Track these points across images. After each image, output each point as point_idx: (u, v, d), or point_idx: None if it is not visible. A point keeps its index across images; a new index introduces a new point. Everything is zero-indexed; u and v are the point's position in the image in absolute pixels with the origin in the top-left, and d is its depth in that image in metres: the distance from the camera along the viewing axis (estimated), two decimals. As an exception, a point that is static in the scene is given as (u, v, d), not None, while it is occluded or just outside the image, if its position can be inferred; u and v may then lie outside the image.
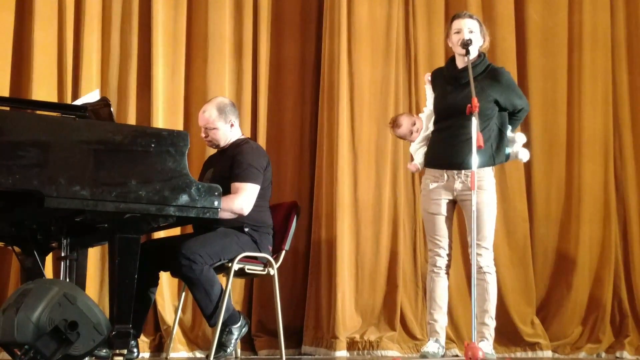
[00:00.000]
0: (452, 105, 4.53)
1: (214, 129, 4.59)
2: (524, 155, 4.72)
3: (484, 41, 4.64)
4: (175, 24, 5.70)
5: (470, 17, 4.64)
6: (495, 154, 4.59)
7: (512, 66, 6.08)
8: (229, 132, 4.62)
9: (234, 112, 4.66)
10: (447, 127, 4.58)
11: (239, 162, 4.45)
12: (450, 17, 5.28)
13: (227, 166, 4.48)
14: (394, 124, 4.89)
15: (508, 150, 4.67)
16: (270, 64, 5.96)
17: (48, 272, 4.37)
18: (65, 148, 3.38)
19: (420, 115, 4.94)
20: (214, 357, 4.28)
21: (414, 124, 4.81)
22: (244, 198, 4.38)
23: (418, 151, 4.82)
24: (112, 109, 3.82)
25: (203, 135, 4.63)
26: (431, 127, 4.75)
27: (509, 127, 4.66)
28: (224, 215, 4.25)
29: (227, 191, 4.35)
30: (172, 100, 5.64)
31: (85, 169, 3.39)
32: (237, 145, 4.60)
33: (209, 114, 4.61)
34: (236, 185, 4.41)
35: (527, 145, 6.08)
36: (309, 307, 5.79)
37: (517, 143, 4.69)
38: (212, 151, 5.01)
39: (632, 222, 6.33)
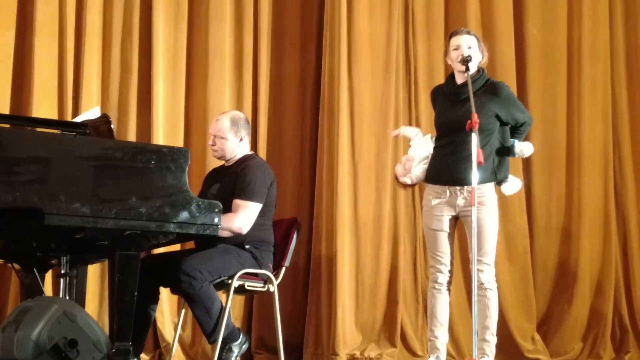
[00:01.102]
0: (453, 121, 4.53)
1: (223, 138, 4.58)
2: (527, 149, 4.65)
3: (482, 57, 4.65)
4: (175, 40, 5.71)
5: (468, 33, 4.65)
6: (497, 169, 4.58)
7: (512, 81, 6.09)
8: (236, 146, 4.61)
9: (247, 128, 4.66)
10: (448, 143, 4.58)
11: (242, 178, 4.44)
12: (450, 33, 5.28)
13: (233, 183, 4.47)
14: (399, 182, 4.84)
15: (512, 143, 4.62)
16: (270, 79, 5.97)
17: (47, 289, 4.36)
18: (65, 165, 3.38)
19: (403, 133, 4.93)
20: (214, 375, 4.26)
21: (401, 162, 4.80)
22: (243, 217, 4.36)
23: (418, 166, 4.80)
24: (112, 126, 3.83)
25: (210, 143, 4.63)
26: (431, 145, 4.74)
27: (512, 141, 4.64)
28: (223, 234, 4.24)
29: (231, 209, 4.35)
30: (173, 115, 5.65)
31: (86, 186, 3.40)
32: (243, 161, 4.59)
33: (221, 123, 4.62)
34: (237, 202, 4.40)
35: (527, 160, 6.14)
36: (309, 323, 5.78)
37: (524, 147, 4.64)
38: (212, 165, 5.00)
39: (632, 236, 6.33)
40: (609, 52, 6.46)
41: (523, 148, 4.62)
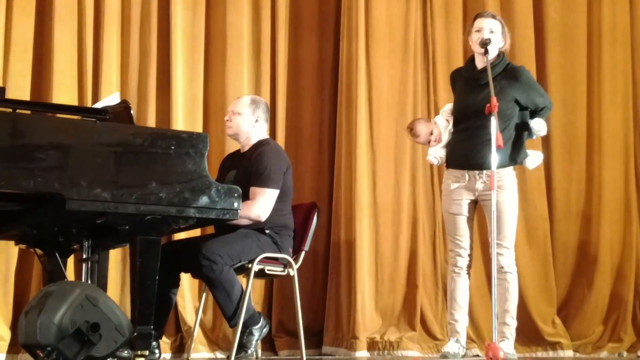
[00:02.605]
0: (472, 106, 4.52)
1: (239, 114, 4.59)
2: (543, 127, 4.61)
3: (504, 43, 4.62)
4: (194, 26, 5.72)
5: (494, 17, 4.62)
6: (516, 153, 4.57)
7: (532, 65, 6.06)
8: (251, 125, 4.60)
9: (265, 112, 4.67)
10: (467, 127, 4.57)
11: (257, 165, 4.45)
12: (468, 16, 5.27)
13: (248, 169, 4.48)
14: (412, 132, 4.84)
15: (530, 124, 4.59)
16: (288, 64, 5.97)
17: (70, 274, 4.39)
18: (86, 151, 3.40)
19: (437, 118, 4.87)
20: (235, 358, 4.29)
21: (432, 133, 4.75)
22: (261, 204, 4.37)
23: (438, 152, 4.79)
24: (132, 112, 3.84)
25: (226, 118, 4.64)
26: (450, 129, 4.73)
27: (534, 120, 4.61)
28: (242, 221, 4.26)
29: (248, 195, 4.36)
30: (192, 101, 5.66)
31: (106, 171, 3.42)
32: (257, 146, 4.60)
33: (242, 100, 4.67)
34: (254, 190, 4.40)
35: (547, 144, 6.11)
36: (329, 307, 5.80)
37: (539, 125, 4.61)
38: (231, 150, 5.01)
39: (653, 221, 6.30)
40: (630, 36, 6.41)
41: (537, 125, 4.58)
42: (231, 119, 4.61)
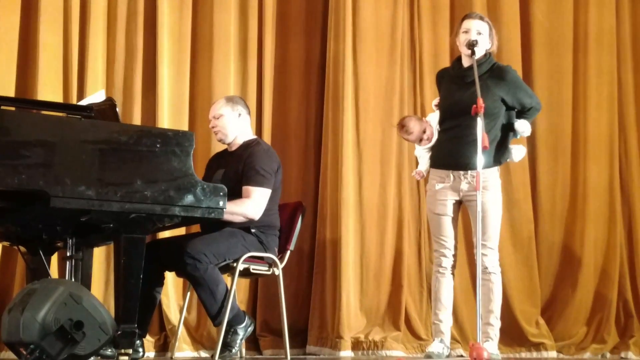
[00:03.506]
0: (458, 104, 4.53)
1: (221, 116, 4.60)
2: (525, 128, 4.61)
3: (491, 44, 4.64)
4: (180, 25, 5.70)
5: (481, 18, 4.64)
6: (501, 154, 4.58)
7: (518, 67, 6.06)
8: (235, 121, 4.61)
9: (244, 106, 4.69)
10: (453, 127, 4.58)
11: (250, 165, 4.45)
12: (455, 17, 5.27)
13: (238, 168, 4.48)
14: (405, 129, 4.80)
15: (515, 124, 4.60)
16: (275, 64, 5.96)
17: (53, 271, 4.37)
18: (70, 148, 3.39)
19: (430, 116, 4.87)
20: (219, 357, 4.29)
21: (424, 131, 4.74)
22: (255, 203, 4.38)
23: (424, 156, 4.80)
24: (117, 109, 3.83)
25: (211, 126, 4.65)
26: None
27: (519, 121, 4.62)
28: (236, 219, 4.27)
29: (237, 194, 4.36)
30: (178, 100, 5.65)
31: (91, 169, 3.41)
32: (247, 146, 4.60)
33: (218, 104, 4.70)
34: (248, 189, 4.41)
35: (532, 145, 6.14)
36: (313, 307, 5.79)
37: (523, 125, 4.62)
38: (217, 149, 5.01)
39: (638, 222, 6.33)
40: (615, 38, 6.44)
41: (521, 127, 4.59)
42: (215, 124, 4.63)
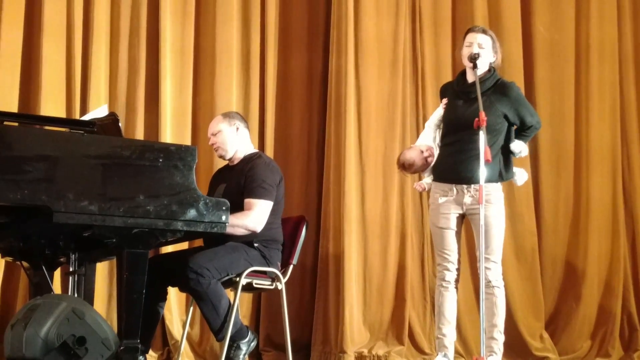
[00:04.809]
0: (461, 119, 4.52)
1: (219, 131, 4.61)
2: (522, 149, 4.57)
3: (495, 57, 4.64)
4: (183, 39, 5.72)
5: (484, 32, 4.63)
6: (504, 169, 4.57)
7: (520, 80, 6.08)
8: (234, 136, 4.61)
9: (242, 120, 4.69)
10: (455, 141, 4.57)
11: (251, 177, 4.45)
12: (457, 31, 5.27)
13: (240, 182, 4.48)
14: (405, 165, 4.67)
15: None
16: (277, 77, 5.98)
17: (56, 287, 4.37)
18: (73, 163, 3.39)
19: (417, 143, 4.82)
20: (222, 372, 4.27)
21: (422, 151, 4.70)
22: (257, 215, 4.37)
23: (432, 128, 4.68)
24: (120, 124, 3.84)
25: (211, 143, 4.66)
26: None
27: (515, 142, 4.62)
28: (238, 231, 4.26)
29: (239, 207, 4.35)
30: (180, 114, 5.66)
31: (94, 184, 3.41)
32: (249, 159, 4.60)
33: (214, 121, 4.69)
34: (249, 201, 4.40)
35: (535, 158, 6.14)
36: (316, 321, 5.78)
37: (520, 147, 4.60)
38: (220, 163, 5.01)
39: (641, 235, 6.32)
40: (617, 51, 6.45)
41: (517, 148, 4.58)
42: (214, 140, 4.63)
